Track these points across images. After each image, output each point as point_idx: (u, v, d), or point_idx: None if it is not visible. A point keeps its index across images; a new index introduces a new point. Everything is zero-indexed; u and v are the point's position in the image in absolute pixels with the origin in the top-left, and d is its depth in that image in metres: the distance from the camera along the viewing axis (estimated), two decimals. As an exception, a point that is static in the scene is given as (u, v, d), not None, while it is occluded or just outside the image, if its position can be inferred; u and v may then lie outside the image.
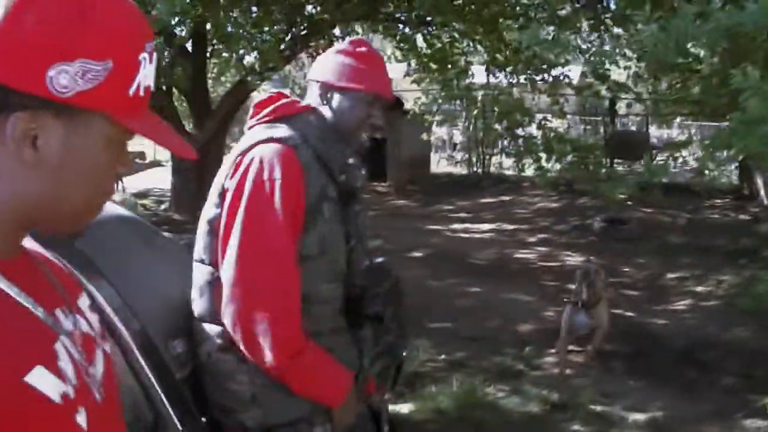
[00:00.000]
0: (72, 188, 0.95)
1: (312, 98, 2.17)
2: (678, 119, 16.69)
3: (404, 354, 4.34)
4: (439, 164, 19.29)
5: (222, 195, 2.04)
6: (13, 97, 0.86)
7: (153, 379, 2.05)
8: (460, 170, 18.35)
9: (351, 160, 2.15)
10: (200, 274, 2.09)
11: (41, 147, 0.89)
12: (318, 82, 2.14)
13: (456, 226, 12.10)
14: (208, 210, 2.10)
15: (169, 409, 2.02)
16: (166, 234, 3.00)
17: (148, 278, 2.31)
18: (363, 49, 2.15)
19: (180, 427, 2.01)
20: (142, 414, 2.02)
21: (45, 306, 0.94)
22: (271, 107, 2.14)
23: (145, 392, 2.02)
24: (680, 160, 10.50)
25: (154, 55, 0.98)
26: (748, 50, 5.19)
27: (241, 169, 2.00)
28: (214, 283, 2.03)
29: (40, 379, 0.88)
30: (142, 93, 0.95)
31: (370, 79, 2.11)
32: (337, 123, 2.11)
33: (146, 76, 0.96)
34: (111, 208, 2.62)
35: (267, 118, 2.13)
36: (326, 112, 2.13)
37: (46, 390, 0.88)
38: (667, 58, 4.02)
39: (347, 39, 2.31)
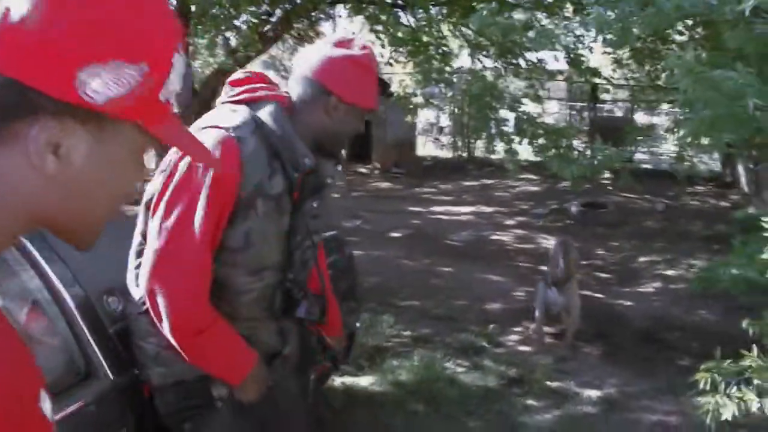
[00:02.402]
0: (89, 202, 0.88)
1: (296, 90, 2.13)
2: (666, 106, 16.78)
3: (357, 325, 4.47)
4: (425, 147, 19.38)
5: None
6: (39, 100, 0.78)
7: (87, 333, 2.19)
8: (446, 153, 18.46)
9: (308, 159, 2.09)
10: (134, 243, 2.19)
11: (63, 156, 0.81)
12: (320, 84, 2.08)
13: (436, 208, 12.19)
14: (153, 184, 2.11)
15: (101, 359, 2.17)
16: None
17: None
18: (368, 59, 2.13)
19: (111, 375, 2.17)
20: (74, 363, 2.18)
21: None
22: (241, 88, 2.14)
23: (78, 344, 2.17)
24: (651, 147, 10.56)
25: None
26: (720, 36, 5.26)
27: None
28: (141, 253, 2.10)
29: (45, 402, 0.84)
30: (171, 98, 0.88)
31: (372, 96, 2.14)
32: (330, 131, 2.11)
33: (174, 79, 0.87)
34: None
35: (235, 99, 2.13)
36: (310, 111, 2.10)
37: (47, 411, 0.84)
38: (621, 43, 4.09)
39: (350, 39, 2.03)
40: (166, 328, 2.00)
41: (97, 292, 2.30)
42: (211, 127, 2.02)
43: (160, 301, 1.97)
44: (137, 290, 2.13)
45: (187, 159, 1.96)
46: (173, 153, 2.05)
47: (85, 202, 0.86)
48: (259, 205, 2.02)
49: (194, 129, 2.06)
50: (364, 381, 4.94)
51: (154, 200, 2.02)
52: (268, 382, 2.23)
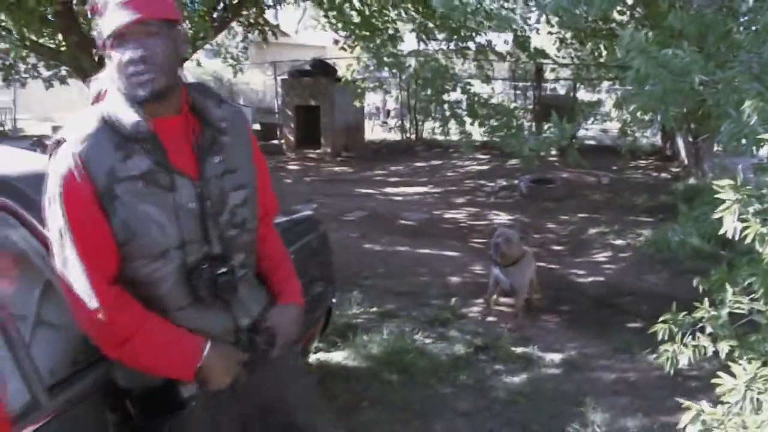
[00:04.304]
0: None
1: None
2: (606, 84, 17.27)
3: (333, 301, 4.69)
4: (373, 131, 19.58)
5: None
6: None
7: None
8: (394, 136, 18.68)
9: (140, 125, 1.98)
10: None
11: None
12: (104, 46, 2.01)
13: (389, 189, 12.43)
14: None
15: None
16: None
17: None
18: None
19: None
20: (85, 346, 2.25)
21: None
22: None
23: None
24: (598, 121, 10.94)
25: None
26: (659, 15, 5.58)
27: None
28: None
29: None
30: None
31: (114, 21, 1.94)
32: (119, 70, 1.98)
33: None
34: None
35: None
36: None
37: None
38: (571, 24, 4.36)
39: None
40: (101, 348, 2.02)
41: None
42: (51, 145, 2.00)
43: (83, 324, 1.99)
44: None
45: (49, 193, 1.96)
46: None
47: None
48: (120, 191, 1.94)
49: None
50: (338, 356, 5.15)
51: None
52: (242, 358, 2.13)
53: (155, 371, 2.03)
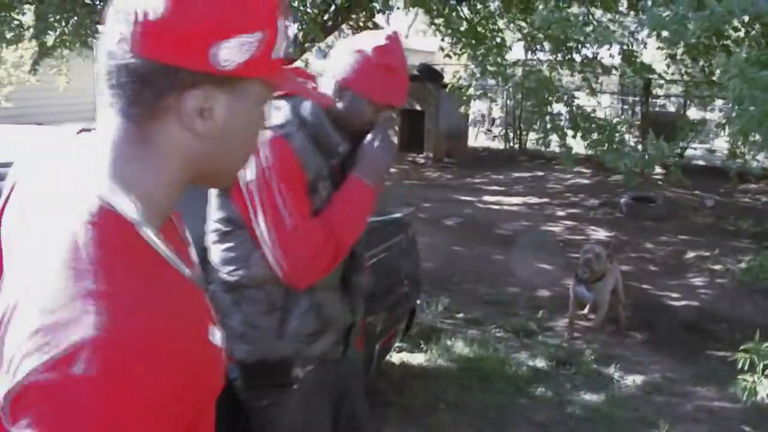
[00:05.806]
0: (233, 149, 1.08)
1: (324, 88, 2.28)
2: (720, 102, 16.76)
3: (417, 302, 4.76)
4: (477, 138, 19.54)
5: None
6: (184, 75, 0.97)
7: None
8: (497, 145, 18.61)
9: (342, 147, 2.28)
10: (216, 226, 2.32)
11: (209, 117, 1.01)
12: (336, 81, 2.24)
13: (488, 198, 12.41)
14: None
15: None
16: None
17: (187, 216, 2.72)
18: (383, 58, 2.22)
19: None
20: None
21: (186, 264, 1.07)
22: None
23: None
24: (704, 141, 10.62)
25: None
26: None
27: None
28: (228, 235, 2.28)
29: (214, 335, 1.05)
30: (281, 55, 1.07)
31: (388, 92, 2.25)
32: (347, 119, 2.25)
33: (282, 39, 1.06)
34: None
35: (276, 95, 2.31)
36: (337, 104, 2.26)
37: (216, 341, 1.06)
38: (676, 40, 4.30)
39: (370, 36, 2.27)
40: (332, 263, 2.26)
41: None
42: None
43: (308, 269, 2.19)
44: (222, 270, 2.29)
45: (253, 163, 2.14)
46: None
47: (230, 149, 1.07)
48: (321, 188, 2.23)
49: None
50: (420, 358, 5.23)
51: (249, 205, 2.19)
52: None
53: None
